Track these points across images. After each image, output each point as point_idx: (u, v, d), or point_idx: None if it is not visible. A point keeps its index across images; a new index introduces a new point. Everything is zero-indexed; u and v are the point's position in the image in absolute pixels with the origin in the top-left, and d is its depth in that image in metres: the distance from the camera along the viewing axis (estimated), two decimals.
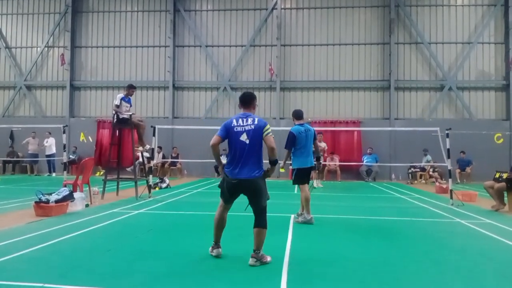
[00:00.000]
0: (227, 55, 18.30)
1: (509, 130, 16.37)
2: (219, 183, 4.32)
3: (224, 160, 4.43)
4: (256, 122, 4.10)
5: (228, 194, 4.21)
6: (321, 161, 6.97)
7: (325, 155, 13.51)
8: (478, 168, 15.54)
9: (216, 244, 4.29)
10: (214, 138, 4.13)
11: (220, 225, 4.30)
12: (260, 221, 4.08)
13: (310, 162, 6.57)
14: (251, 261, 4.00)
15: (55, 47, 19.09)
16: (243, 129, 4.07)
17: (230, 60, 18.24)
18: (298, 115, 6.67)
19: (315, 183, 13.26)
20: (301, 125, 6.56)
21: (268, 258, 4.10)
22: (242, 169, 4.04)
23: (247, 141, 4.05)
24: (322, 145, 13.41)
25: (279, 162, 4.41)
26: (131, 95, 9.60)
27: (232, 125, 4.12)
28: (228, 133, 4.12)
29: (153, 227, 5.91)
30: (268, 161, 4.12)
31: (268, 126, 4.13)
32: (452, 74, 17.12)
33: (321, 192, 11.87)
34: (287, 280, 3.56)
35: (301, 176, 6.51)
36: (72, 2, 18.73)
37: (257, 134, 4.06)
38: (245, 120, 4.12)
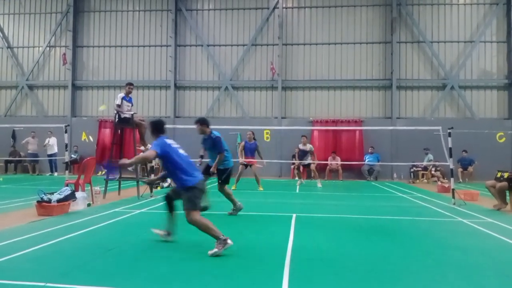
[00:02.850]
0: (228, 55, 18.29)
1: (511, 129, 16.32)
2: None
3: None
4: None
5: None
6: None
7: (312, 157, 13.33)
8: (480, 167, 15.49)
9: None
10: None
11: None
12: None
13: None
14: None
15: (57, 47, 19.12)
16: None
17: (231, 59, 18.22)
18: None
19: (318, 183, 13.24)
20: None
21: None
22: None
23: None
24: (308, 147, 13.27)
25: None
26: (130, 93, 9.59)
27: None
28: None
29: (155, 227, 5.90)
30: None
31: None
32: (454, 73, 17.07)
33: (323, 191, 11.87)
34: (288, 278, 3.56)
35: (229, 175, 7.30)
36: (74, 2, 18.74)
37: None
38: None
